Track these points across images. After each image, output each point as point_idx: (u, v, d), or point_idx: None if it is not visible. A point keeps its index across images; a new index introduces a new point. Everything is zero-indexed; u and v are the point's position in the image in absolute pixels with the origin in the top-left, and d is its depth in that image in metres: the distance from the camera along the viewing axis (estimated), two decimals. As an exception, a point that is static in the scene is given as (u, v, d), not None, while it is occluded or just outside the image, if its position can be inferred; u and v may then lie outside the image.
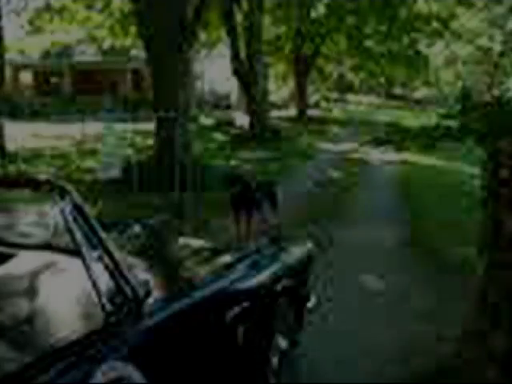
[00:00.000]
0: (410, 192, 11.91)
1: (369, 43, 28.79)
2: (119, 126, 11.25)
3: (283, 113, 33.20)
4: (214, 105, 40.34)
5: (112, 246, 2.39)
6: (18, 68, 36.72)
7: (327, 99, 44.34)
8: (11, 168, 13.44)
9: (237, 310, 3.01)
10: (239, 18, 21.29)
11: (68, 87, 36.28)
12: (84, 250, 2.27)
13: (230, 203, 7.33)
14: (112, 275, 2.33)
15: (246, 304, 3.10)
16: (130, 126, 11.40)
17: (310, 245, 4.38)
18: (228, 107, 39.54)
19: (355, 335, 4.69)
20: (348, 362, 4.20)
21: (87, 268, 2.26)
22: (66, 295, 2.47)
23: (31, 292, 2.52)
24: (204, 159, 13.74)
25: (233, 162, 15.59)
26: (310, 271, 4.14)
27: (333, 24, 26.43)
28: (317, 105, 40.33)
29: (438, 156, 15.10)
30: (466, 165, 14.26)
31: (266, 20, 25.22)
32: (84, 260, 2.27)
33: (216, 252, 3.73)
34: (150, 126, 12.85)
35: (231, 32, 20.44)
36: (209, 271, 3.20)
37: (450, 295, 5.65)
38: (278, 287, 3.52)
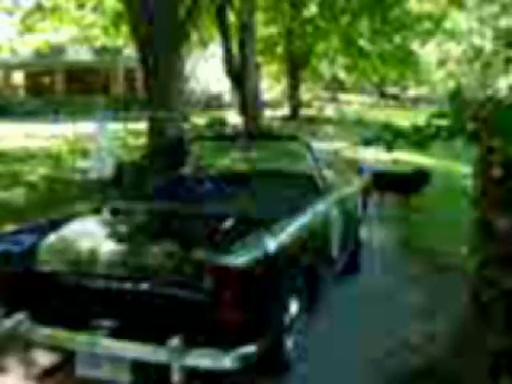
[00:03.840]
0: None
1: (361, 42, 28.82)
2: (112, 126, 11.21)
3: (276, 112, 33.20)
4: (206, 104, 40.30)
5: (324, 165, 5.46)
6: (9, 68, 36.58)
7: (320, 98, 44.38)
8: (1, 168, 13.39)
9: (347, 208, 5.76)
10: (232, 17, 21.28)
11: (60, 87, 36.16)
12: (316, 168, 5.28)
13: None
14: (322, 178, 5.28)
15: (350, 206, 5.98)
16: (122, 126, 11.35)
17: None
18: (221, 107, 39.53)
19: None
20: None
21: (317, 176, 5.24)
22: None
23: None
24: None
25: (226, 162, 15.56)
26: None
27: (325, 23, 26.44)
28: (309, 104, 40.34)
29: (430, 154, 15.13)
30: (458, 164, 14.31)
31: (259, 19, 25.18)
32: (316, 172, 5.25)
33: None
34: (143, 126, 12.83)
35: (223, 31, 20.43)
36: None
37: (442, 294, 5.66)
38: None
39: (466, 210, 4.17)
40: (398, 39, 27.96)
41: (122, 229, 4.49)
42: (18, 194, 10.61)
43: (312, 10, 26.58)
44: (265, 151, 8.65)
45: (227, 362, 3.16)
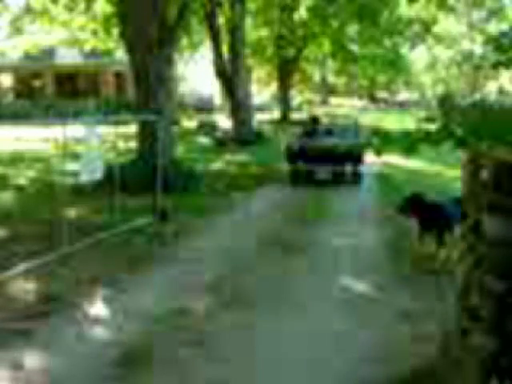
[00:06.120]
0: (392, 194, 11.95)
1: (351, 46, 28.92)
2: (101, 129, 11.16)
3: (266, 115, 33.22)
4: (197, 107, 40.26)
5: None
6: (-2, 70, 36.40)
7: (310, 102, 44.48)
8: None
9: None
10: (222, 20, 21.30)
11: (50, 90, 36.01)
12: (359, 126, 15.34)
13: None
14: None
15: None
16: (112, 129, 11.29)
17: None
18: (211, 110, 39.48)
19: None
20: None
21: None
22: None
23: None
24: (186, 162, 13.71)
25: (217, 165, 15.59)
26: None
27: (315, 27, 26.51)
28: (300, 107, 40.42)
29: (420, 158, 15.20)
30: (447, 167, 14.39)
31: (249, 23, 25.22)
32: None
33: None
34: (133, 129, 12.80)
35: (213, 35, 20.44)
36: None
37: (429, 296, 5.68)
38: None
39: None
40: (387, 43, 28.06)
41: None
42: (4, 198, 10.56)
43: (302, 14, 26.63)
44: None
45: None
